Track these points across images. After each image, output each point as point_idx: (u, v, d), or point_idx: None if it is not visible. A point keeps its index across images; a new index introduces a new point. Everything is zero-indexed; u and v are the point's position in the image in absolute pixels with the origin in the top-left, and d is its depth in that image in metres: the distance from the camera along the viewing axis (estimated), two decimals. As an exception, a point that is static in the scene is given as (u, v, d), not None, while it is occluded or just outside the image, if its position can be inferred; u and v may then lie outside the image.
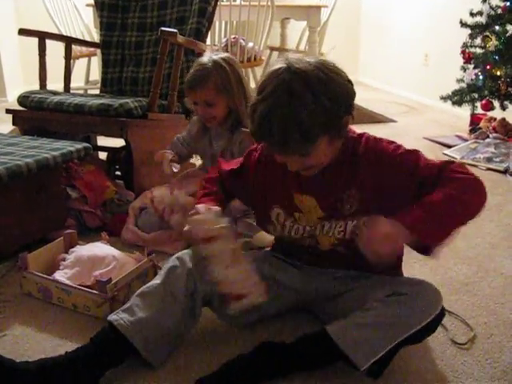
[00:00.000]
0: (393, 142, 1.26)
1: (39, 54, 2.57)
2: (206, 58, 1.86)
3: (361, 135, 1.27)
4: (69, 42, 2.79)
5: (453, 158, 3.21)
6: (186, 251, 1.36)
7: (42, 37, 2.59)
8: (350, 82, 1.17)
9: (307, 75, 1.09)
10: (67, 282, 1.53)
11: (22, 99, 2.38)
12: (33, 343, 1.37)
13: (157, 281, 1.30)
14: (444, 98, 3.70)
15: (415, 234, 1.10)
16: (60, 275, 1.57)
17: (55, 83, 2.76)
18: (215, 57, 1.86)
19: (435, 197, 1.13)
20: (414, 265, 1.81)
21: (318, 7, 4.18)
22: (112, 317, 1.25)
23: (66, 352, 1.22)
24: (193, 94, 1.87)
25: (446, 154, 3.29)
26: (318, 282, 1.39)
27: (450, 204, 1.12)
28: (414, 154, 1.23)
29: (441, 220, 1.11)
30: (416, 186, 1.19)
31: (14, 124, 2.41)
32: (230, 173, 1.43)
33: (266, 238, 1.83)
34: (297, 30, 4.85)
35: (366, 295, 1.26)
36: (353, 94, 1.17)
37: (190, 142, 2.04)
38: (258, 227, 1.84)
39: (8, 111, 2.40)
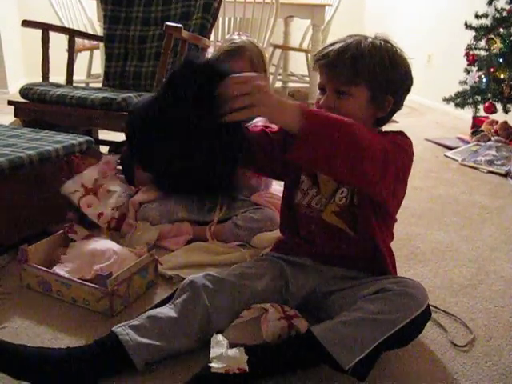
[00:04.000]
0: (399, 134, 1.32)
1: (42, 47, 2.56)
2: (236, 36, 1.92)
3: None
4: (72, 34, 2.79)
5: (454, 160, 3.22)
6: (199, 278, 1.33)
7: (46, 29, 2.58)
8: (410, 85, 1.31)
9: (395, 51, 1.29)
10: (67, 275, 1.52)
11: (25, 91, 2.37)
12: (32, 336, 1.36)
13: (172, 313, 1.26)
14: (447, 100, 3.69)
15: (300, 122, 1.05)
16: (60, 268, 1.57)
17: (57, 76, 2.75)
18: (242, 37, 1.94)
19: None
20: (414, 266, 1.82)
21: (323, 6, 4.18)
22: (118, 329, 1.22)
23: (68, 347, 1.21)
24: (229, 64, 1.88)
25: (447, 156, 3.29)
26: (316, 281, 1.40)
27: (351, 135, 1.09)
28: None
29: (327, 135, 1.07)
30: None
31: (15, 116, 2.41)
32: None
33: (264, 238, 1.83)
34: (300, 28, 4.85)
35: (355, 295, 1.26)
36: (406, 88, 1.31)
37: None
38: (258, 222, 1.86)
39: (10, 103, 2.39)
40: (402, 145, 1.26)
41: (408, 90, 1.32)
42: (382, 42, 1.27)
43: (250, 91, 1.01)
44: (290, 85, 4.99)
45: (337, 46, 1.26)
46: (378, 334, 1.15)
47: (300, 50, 4.74)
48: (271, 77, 4.35)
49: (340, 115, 1.14)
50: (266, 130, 1.40)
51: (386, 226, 1.40)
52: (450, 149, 3.43)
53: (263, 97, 1.02)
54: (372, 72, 1.24)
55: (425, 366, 1.30)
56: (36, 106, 2.35)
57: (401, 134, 1.33)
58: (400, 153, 1.22)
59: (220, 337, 1.20)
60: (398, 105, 1.33)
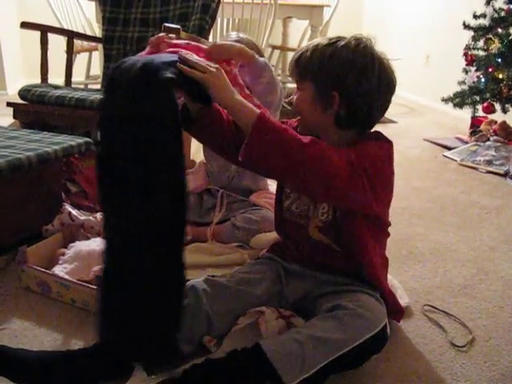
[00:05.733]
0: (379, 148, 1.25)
1: (41, 48, 2.57)
2: (234, 33, 1.95)
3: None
4: (71, 36, 2.79)
5: (453, 160, 3.22)
6: (200, 283, 1.33)
7: (45, 30, 2.58)
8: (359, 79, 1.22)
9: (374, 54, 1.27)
10: (66, 276, 1.52)
11: (24, 92, 2.38)
12: (31, 337, 1.36)
13: None
14: (445, 100, 3.70)
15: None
16: (59, 270, 1.57)
17: (56, 77, 2.75)
18: (240, 35, 1.93)
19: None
20: (413, 266, 1.82)
21: (321, 6, 4.18)
22: None
23: (68, 350, 1.21)
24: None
25: (445, 156, 3.29)
26: (307, 285, 1.40)
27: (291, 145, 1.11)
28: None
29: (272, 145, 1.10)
30: None
31: (14, 117, 2.41)
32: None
33: (263, 239, 1.83)
34: (299, 28, 4.84)
35: (321, 304, 1.27)
36: (354, 83, 1.22)
37: None
38: (257, 223, 1.85)
39: (9, 104, 2.39)
40: (369, 152, 1.20)
41: (359, 85, 1.21)
42: (341, 41, 1.24)
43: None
44: (289, 85, 4.98)
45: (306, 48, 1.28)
46: (324, 354, 1.13)
47: (299, 50, 4.74)
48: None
49: (295, 110, 1.29)
50: None
51: (378, 231, 1.38)
52: (449, 149, 3.43)
53: (213, 75, 1.12)
54: (311, 66, 1.24)
55: (424, 366, 1.30)
56: (35, 108, 2.35)
57: (376, 136, 1.30)
58: (368, 160, 1.17)
59: None
60: (352, 102, 1.23)
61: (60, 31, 2.91)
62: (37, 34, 2.57)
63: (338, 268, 1.38)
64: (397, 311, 1.42)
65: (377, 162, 1.19)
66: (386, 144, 1.27)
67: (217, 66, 1.16)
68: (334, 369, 1.17)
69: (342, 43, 1.23)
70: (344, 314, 1.18)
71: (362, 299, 1.24)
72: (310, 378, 1.11)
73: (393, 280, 1.61)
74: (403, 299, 1.52)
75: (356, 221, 1.29)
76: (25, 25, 2.56)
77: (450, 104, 3.70)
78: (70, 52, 2.74)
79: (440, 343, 1.40)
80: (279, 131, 1.10)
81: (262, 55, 1.94)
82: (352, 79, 1.21)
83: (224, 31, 3.77)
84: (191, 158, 2.37)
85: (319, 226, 1.35)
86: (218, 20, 3.59)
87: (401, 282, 1.63)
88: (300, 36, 4.76)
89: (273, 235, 1.78)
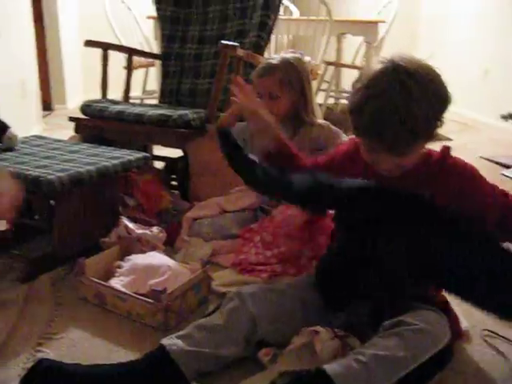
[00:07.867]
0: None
1: (102, 65, 2.64)
2: (275, 56, 1.98)
3: (448, 156, 1.28)
4: (131, 53, 2.87)
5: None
6: (246, 288, 1.36)
7: (106, 48, 2.66)
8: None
9: (418, 73, 1.14)
10: (123, 289, 1.55)
11: (85, 107, 2.45)
12: (88, 347, 1.39)
13: (218, 320, 1.28)
14: (505, 117, 3.60)
15: None
16: (116, 282, 1.60)
17: (112, 92, 2.83)
18: (285, 55, 1.95)
19: None
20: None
21: (375, 22, 4.16)
22: (166, 341, 1.23)
23: (120, 362, 1.23)
24: (258, 83, 1.91)
25: (503, 175, 3.19)
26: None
27: None
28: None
29: None
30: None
31: (76, 132, 2.49)
32: (324, 164, 1.42)
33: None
34: (353, 44, 4.83)
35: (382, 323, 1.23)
36: (449, 101, 1.18)
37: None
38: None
39: (71, 119, 2.47)
40: None
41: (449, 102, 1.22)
42: (419, 72, 1.15)
43: None
44: (342, 101, 4.96)
45: (368, 106, 1.15)
46: (390, 374, 1.10)
47: (353, 66, 4.72)
48: (323, 93, 4.34)
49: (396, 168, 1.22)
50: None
51: None
52: (507, 167, 3.32)
53: None
54: (427, 122, 1.15)
55: (485, 395, 1.26)
56: (95, 122, 2.42)
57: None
58: None
59: None
60: None
61: (121, 48, 2.99)
62: (96, 51, 2.65)
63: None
64: (456, 335, 1.38)
65: None
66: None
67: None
68: None
69: (428, 72, 1.18)
70: (406, 330, 1.15)
71: (424, 314, 1.21)
72: None
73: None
74: (462, 323, 1.48)
75: None
76: (88, 43, 2.65)
77: (510, 121, 3.60)
78: (130, 68, 2.81)
79: (501, 370, 1.34)
80: None
81: (303, 77, 1.93)
82: (449, 101, 1.21)
83: (278, 48, 3.79)
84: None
85: None
86: (273, 37, 3.62)
87: (457, 305, 1.58)
88: (354, 52, 4.74)
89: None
